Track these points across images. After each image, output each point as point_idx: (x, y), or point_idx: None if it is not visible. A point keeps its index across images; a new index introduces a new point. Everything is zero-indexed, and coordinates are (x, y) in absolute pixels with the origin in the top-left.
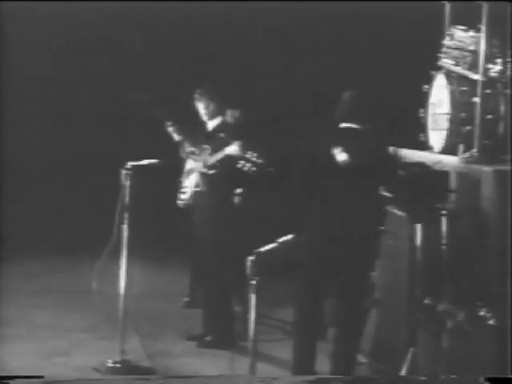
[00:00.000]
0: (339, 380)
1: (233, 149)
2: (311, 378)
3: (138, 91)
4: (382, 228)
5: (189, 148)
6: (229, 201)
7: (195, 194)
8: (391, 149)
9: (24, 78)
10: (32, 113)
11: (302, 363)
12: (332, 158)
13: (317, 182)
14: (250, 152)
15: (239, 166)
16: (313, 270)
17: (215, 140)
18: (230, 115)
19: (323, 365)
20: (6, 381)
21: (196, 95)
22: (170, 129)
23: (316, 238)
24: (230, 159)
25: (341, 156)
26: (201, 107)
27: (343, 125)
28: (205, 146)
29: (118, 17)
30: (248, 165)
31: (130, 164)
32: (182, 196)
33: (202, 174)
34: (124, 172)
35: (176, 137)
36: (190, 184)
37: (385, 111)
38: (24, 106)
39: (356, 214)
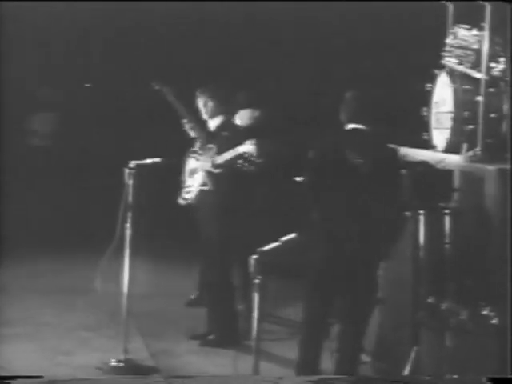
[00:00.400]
0: (342, 380)
1: (246, 148)
2: (315, 377)
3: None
4: (387, 228)
5: (192, 147)
6: (235, 200)
7: (201, 193)
8: (395, 148)
9: (24, 77)
10: (32, 112)
11: (308, 362)
12: (338, 158)
13: (322, 182)
14: (247, 152)
15: (238, 165)
16: (321, 269)
17: (218, 139)
18: (249, 115)
19: (326, 363)
20: (6, 381)
21: (197, 94)
22: (187, 126)
23: (322, 238)
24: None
25: (348, 156)
26: (201, 106)
27: (349, 126)
28: (209, 146)
29: (117, 17)
30: (246, 164)
31: (133, 163)
32: (186, 195)
33: (209, 173)
34: (127, 171)
35: (192, 134)
36: (194, 183)
37: (388, 110)
38: (24, 105)
39: (362, 214)
